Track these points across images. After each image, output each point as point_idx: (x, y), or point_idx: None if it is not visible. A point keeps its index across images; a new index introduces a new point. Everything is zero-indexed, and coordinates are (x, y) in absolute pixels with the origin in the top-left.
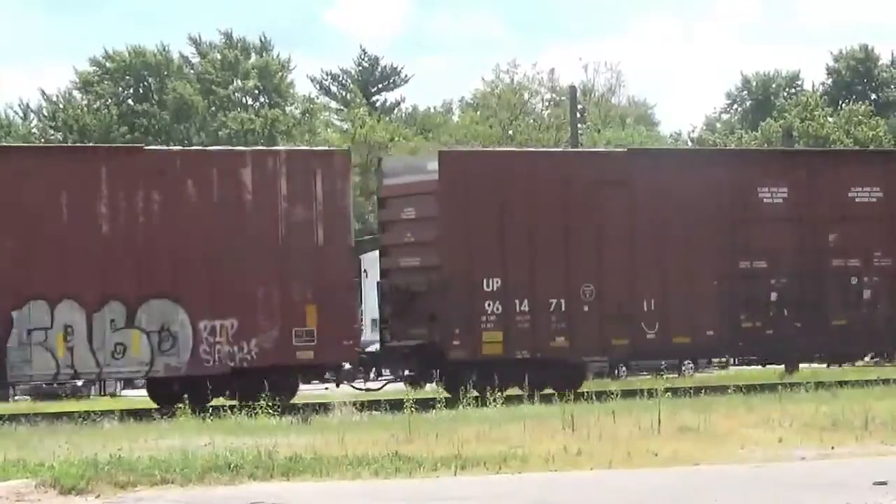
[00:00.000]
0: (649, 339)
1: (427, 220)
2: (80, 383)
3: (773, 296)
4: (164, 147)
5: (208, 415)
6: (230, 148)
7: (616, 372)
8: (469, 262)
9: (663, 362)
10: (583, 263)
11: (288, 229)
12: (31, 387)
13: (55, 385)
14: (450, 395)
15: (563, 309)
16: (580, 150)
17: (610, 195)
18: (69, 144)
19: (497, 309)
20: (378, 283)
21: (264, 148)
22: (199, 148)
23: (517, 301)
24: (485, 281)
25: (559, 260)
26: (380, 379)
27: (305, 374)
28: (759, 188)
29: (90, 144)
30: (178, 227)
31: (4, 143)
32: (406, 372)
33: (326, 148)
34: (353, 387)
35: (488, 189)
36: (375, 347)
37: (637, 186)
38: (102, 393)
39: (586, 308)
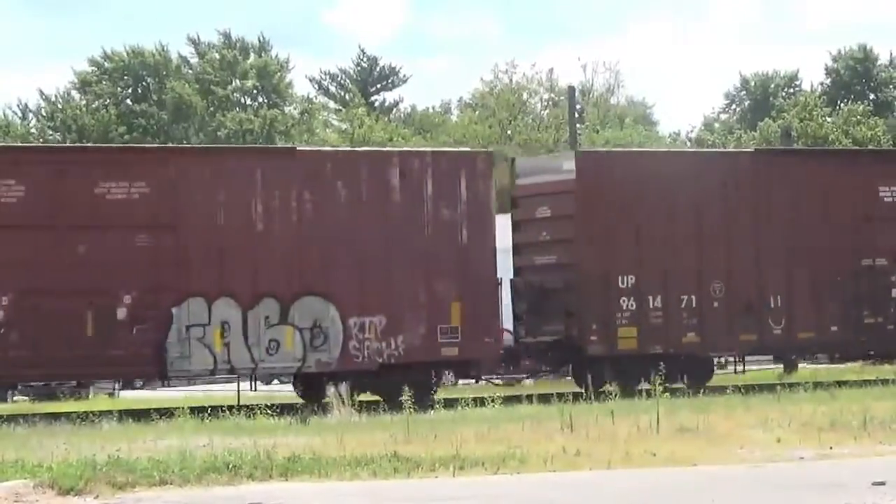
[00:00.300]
0: (776, 335)
1: (563, 218)
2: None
3: (895, 292)
4: (317, 148)
5: (206, 415)
6: (379, 149)
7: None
8: (605, 259)
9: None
10: (712, 261)
11: (433, 229)
12: (189, 381)
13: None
14: (581, 390)
15: (693, 305)
16: (710, 150)
17: (738, 194)
18: (226, 145)
19: (631, 305)
20: (511, 280)
21: (412, 149)
22: (350, 149)
23: (650, 298)
24: (620, 278)
25: (690, 258)
26: (510, 375)
27: (449, 371)
28: (881, 187)
29: (247, 146)
30: (329, 227)
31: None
32: (542, 367)
33: (470, 149)
34: (493, 382)
35: (623, 188)
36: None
37: (763, 186)
38: (254, 389)
39: (716, 304)
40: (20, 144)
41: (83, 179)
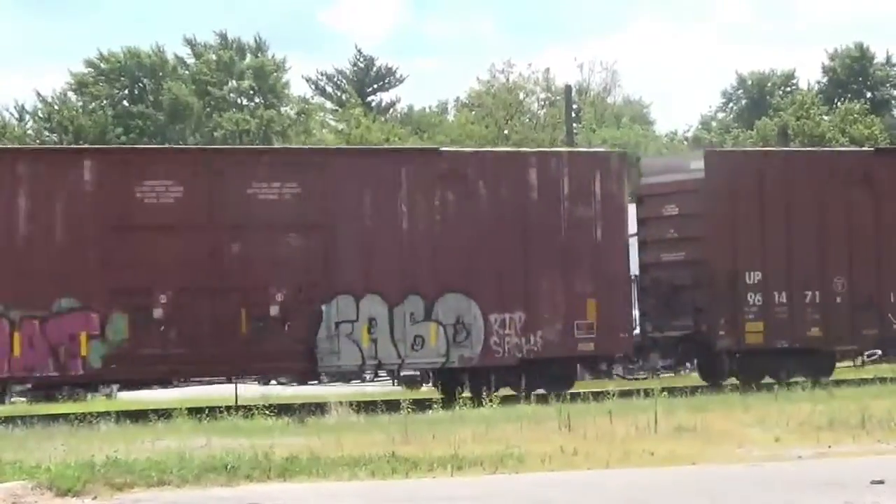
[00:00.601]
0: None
1: (691, 216)
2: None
3: None
4: (459, 149)
5: (204, 416)
6: (517, 150)
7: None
8: (732, 256)
9: (660, 362)
10: (835, 257)
11: (569, 227)
12: (337, 375)
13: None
14: (707, 383)
15: (817, 300)
16: (831, 149)
17: (859, 192)
18: (373, 147)
19: (758, 301)
20: (637, 276)
21: (550, 150)
22: (490, 150)
23: (776, 293)
24: (747, 275)
25: (813, 254)
26: (639, 368)
27: (584, 366)
28: None
29: (391, 147)
30: (471, 225)
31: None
32: (669, 361)
33: (605, 150)
34: (624, 377)
35: (750, 187)
36: None
37: (883, 184)
38: (395, 383)
39: (838, 300)
40: (179, 146)
41: (237, 180)
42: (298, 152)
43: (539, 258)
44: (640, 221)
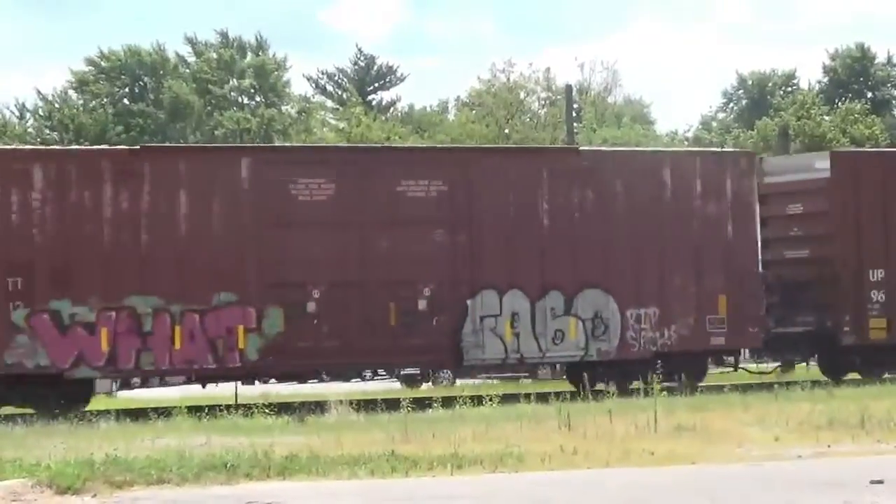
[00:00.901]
0: None
1: (816, 215)
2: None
3: None
4: (598, 148)
5: (204, 414)
6: (653, 150)
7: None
8: (857, 254)
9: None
10: None
11: (701, 224)
12: (481, 368)
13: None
14: (832, 378)
15: None
16: None
17: None
18: (516, 146)
19: (881, 297)
20: (761, 272)
21: (682, 150)
22: (628, 149)
23: None
24: (870, 272)
25: None
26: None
27: (715, 359)
28: None
29: (535, 146)
30: (608, 223)
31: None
32: (792, 356)
33: (736, 150)
34: (749, 371)
35: (874, 186)
36: None
37: None
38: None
39: None
40: (332, 145)
41: (386, 178)
42: (446, 151)
43: (673, 255)
44: (763, 220)
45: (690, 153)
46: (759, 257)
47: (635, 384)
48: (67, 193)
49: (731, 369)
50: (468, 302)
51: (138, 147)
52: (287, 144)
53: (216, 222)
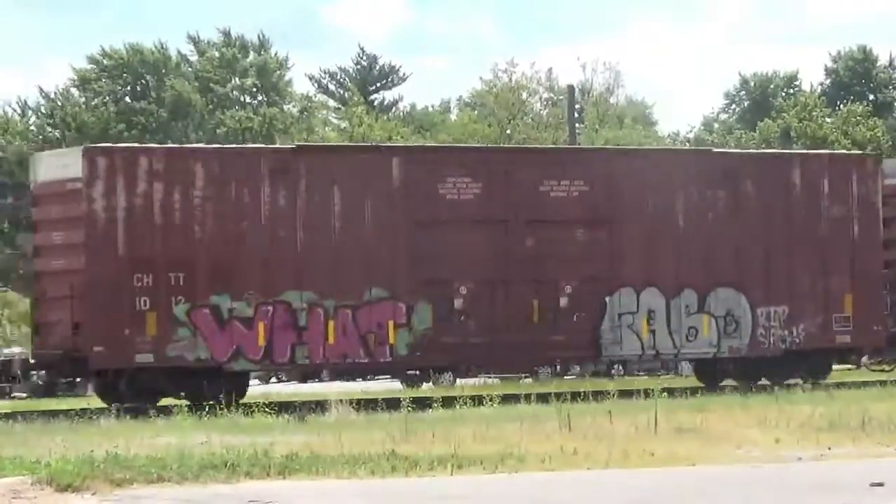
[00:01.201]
0: None
1: None
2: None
3: None
4: (730, 150)
5: (204, 413)
6: (781, 151)
7: (611, 372)
8: None
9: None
10: None
11: (828, 225)
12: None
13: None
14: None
15: None
16: None
17: None
18: (652, 147)
19: None
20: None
21: (810, 152)
22: (757, 151)
23: None
24: None
25: None
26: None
27: (840, 357)
28: None
29: (670, 147)
30: (740, 223)
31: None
32: None
33: (860, 152)
34: (871, 368)
35: None
36: None
37: None
38: (677, 373)
39: None
40: (479, 145)
41: (530, 178)
42: (588, 152)
43: (801, 254)
44: (884, 221)
45: (818, 155)
46: (883, 258)
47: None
48: (227, 191)
49: (854, 367)
50: (607, 299)
51: (296, 146)
52: (436, 144)
53: (368, 220)
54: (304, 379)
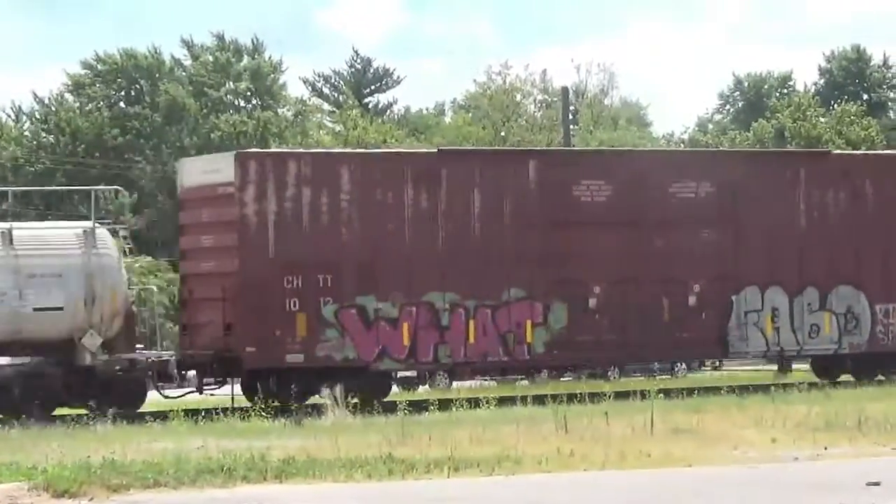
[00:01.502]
0: None
1: None
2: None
3: None
4: (849, 152)
5: (201, 417)
6: None
7: (608, 374)
8: None
9: (656, 364)
10: None
11: None
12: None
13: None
14: None
15: None
16: None
17: None
18: (769, 150)
19: None
20: None
21: None
22: (875, 152)
23: None
24: None
25: None
26: None
27: None
28: None
29: (788, 150)
30: (858, 221)
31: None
32: None
33: None
34: None
35: None
36: None
37: None
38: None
39: None
40: (611, 148)
41: (660, 180)
42: (714, 154)
43: None
44: None
45: None
46: None
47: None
48: (372, 194)
49: None
50: (733, 297)
51: (438, 150)
52: (571, 148)
53: (506, 221)
54: (450, 380)
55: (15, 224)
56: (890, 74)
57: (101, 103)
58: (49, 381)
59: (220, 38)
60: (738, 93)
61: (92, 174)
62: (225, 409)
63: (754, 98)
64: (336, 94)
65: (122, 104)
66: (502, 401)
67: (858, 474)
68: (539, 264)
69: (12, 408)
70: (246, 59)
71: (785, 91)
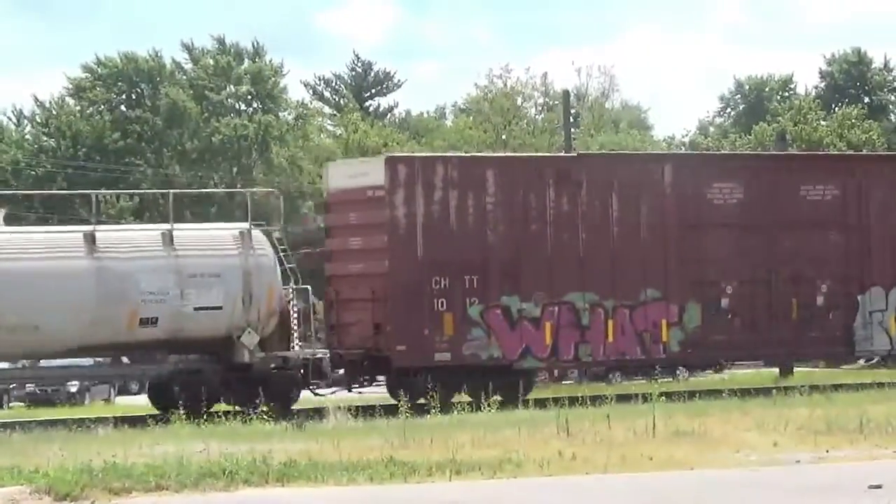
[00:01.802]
0: None
1: None
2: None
3: None
4: None
5: (203, 421)
6: None
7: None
8: None
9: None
10: None
11: None
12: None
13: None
14: None
15: None
16: None
17: None
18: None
19: None
20: None
21: None
22: None
23: None
24: None
25: None
26: None
27: None
28: None
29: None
30: None
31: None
32: None
33: None
34: None
35: None
36: None
37: None
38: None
39: None
40: (741, 152)
41: (789, 183)
42: (840, 158)
43: None
44: None
45: None
46: None
47: None
48: (515, 197)
49: None
50: (858, 297)
51: (577, 154)
52: (704, 153)
53: (643, 224)
54: (591, 378)
55: (176, 225)
56: (891, 77)
57: (102, 107)
58: (208, 378)
59: (221, 41)
60: (738, 96)
61: (93, 178)
62: (227, 413)
63: (755, 101)
64: (337, 98)
65: (122, 108)
66: (504, 404)
67: (860, 477)
68: (673, 265)
69: (173, 404)
70: (247, 63)
71: (786, 94)
